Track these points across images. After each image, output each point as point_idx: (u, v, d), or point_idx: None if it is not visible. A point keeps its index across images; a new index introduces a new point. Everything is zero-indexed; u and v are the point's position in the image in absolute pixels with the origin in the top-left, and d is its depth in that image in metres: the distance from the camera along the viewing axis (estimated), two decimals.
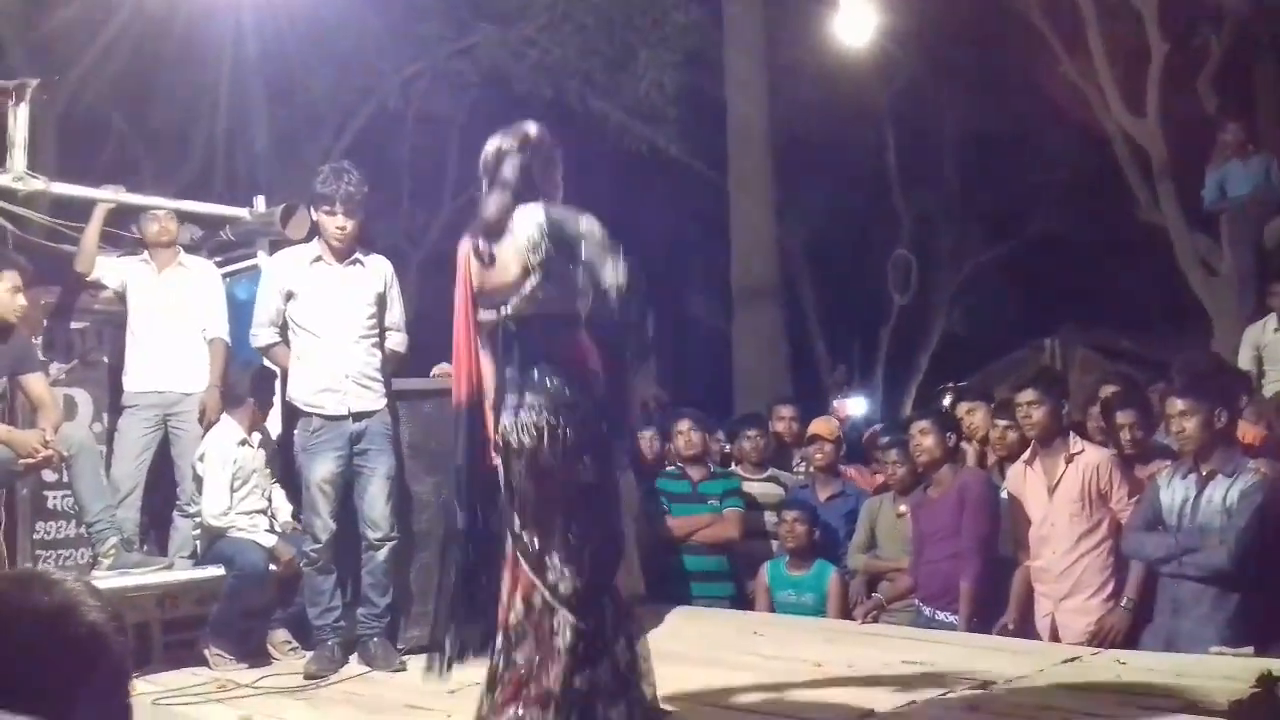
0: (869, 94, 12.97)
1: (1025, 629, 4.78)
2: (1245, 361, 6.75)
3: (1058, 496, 4.66)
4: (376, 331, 4.91)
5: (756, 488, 6.14)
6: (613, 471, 3.48)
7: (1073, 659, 4.15)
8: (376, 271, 4.93)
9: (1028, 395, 4.75)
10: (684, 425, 6.10)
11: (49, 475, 5.07)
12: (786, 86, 11.71)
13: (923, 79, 13.00)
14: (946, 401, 6.91)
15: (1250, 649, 4.05)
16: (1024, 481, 4.84)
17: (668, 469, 6.24)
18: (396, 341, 5.00)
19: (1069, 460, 4.67)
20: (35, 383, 4.72)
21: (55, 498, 5.32)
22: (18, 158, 5.08)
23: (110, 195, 5.40)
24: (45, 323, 5.40)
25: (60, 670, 1.17)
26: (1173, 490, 4.41)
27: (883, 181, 15.07)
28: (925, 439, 5.17)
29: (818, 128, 13.27)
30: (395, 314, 5.00)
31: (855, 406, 14.19)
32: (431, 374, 5.30)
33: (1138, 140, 9.34)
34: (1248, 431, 4.98)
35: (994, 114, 12.76)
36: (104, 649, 1.20)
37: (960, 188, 14.61)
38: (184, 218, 5.70)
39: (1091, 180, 11.99)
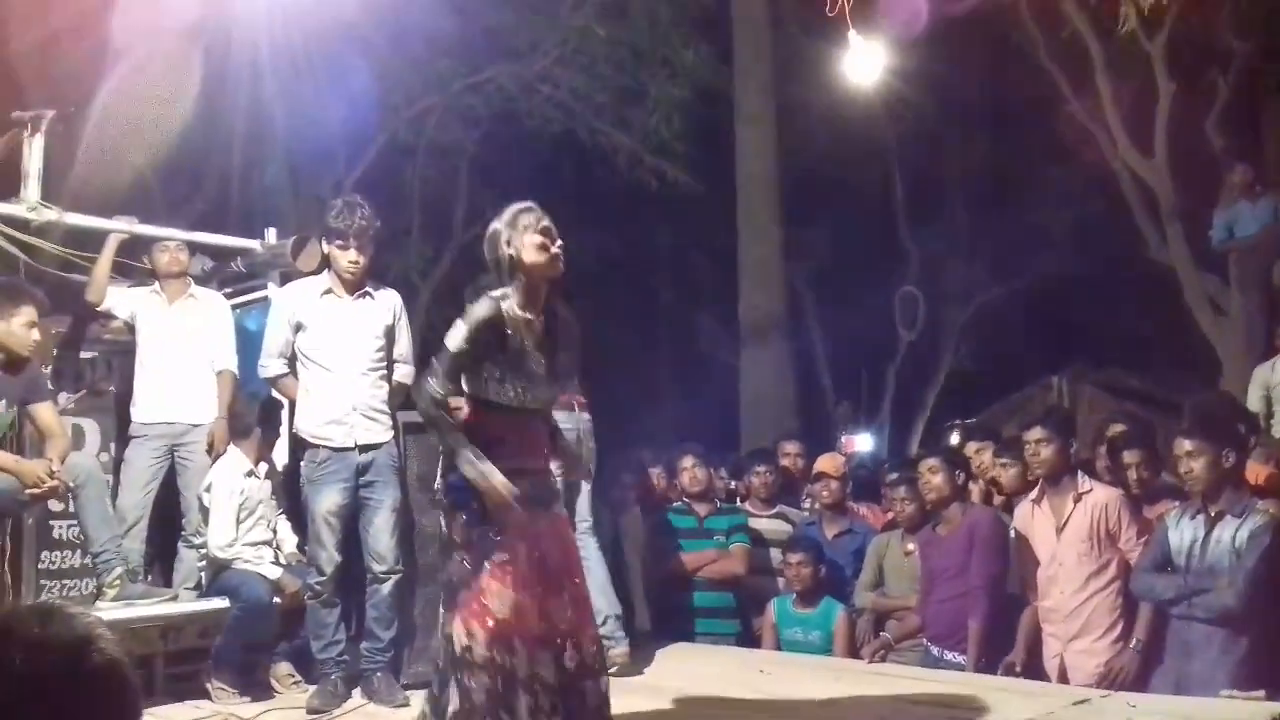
0: (877, 131, 13.05)
1: (1033, 669, 4.74)
2: (1254, 402, 6.73)
3: (1066, 536, 4.64)
4: (384, 364, 4.92)
5: (764, 524, 6.12)
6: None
7: (1082, 701, 4.11)
8: (386, 304, 4.95)
9: (1036, 434, 4.74)
10: (688, 462, 6.09)
11: (55, 505, 5.07)
12: (795, 123, 11.78)
13: (931, 118, 13.07)
14: (954, 439, 6.89)
15: (1262, 692, 4.01)
16: (1032, 520, 4.81)
17: (674, 504, 6.22)
18: (403, 374, 5.00)
19: (1077, 499, 4.65)
20: (44, 412, 4.72)
21: (61, 527, 5.31)
22: (32, 188, 5.12)
23: (123, 226, 5.43)
24: (55, 352, 5.41)
25: (79, 703, 1.17)
26: (1181, 531, 4.38)
27: (890, 218, 15.13)
28: (934, 477, 5.15)
29: (826, 164, 13.35)
30: (403, 346, 5.01)
31: (863, 443, 14.16)
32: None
33: (1145, 180, 9.37)
34: (1257, 472, 4.95)
35: (1002, 153, 12.84)
36: (122, 683, 1.21)
37: (968, 225, 14.66)
38: (195, 249, 5.73)
39: (1099, 219, 12.02)
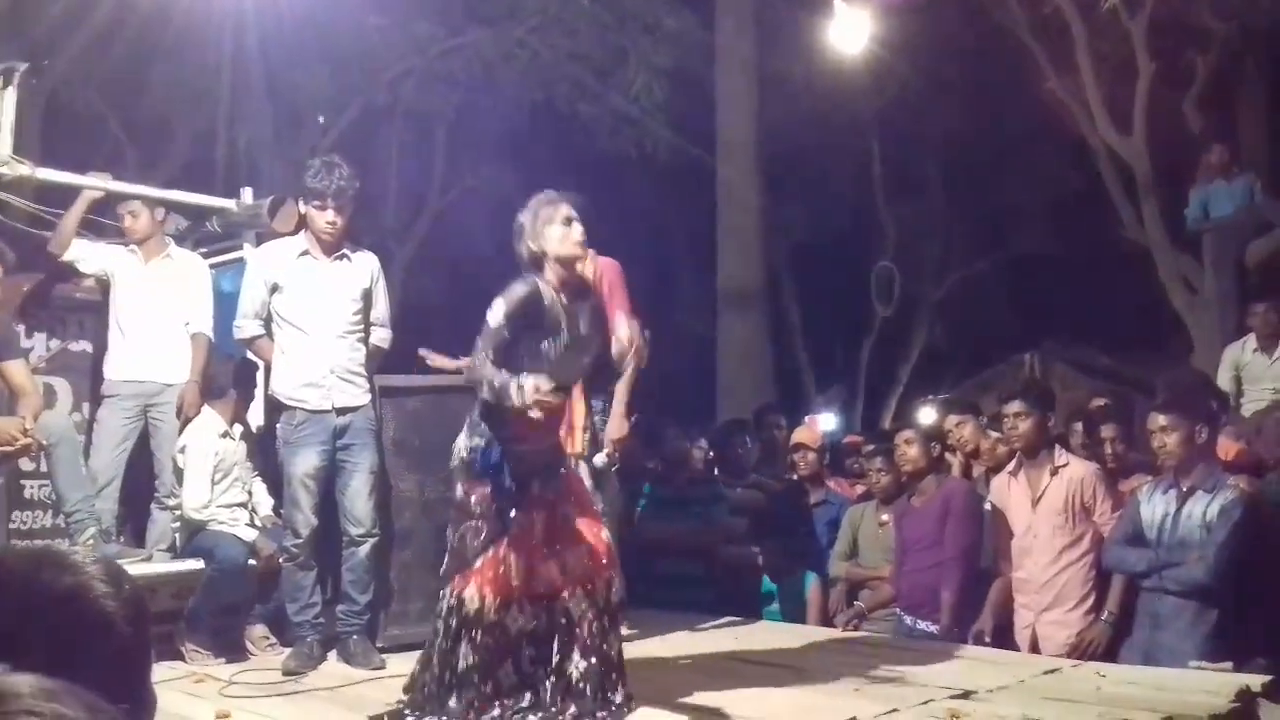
0: (857, 105, 13.03)
1: (1005, 640, 4.79)
2: (1225, 381, 6.80)
3: (1041, 508, 4.69)
4: (362, 327, 4.88)
5: (740, 494, 6.14)
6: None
7: (1053, 670, 4.16)
8: (363, 267, 4.90)
9: (1014, 407, 4.78)
10: (669, 433, 6.11)
11: (26, 464, 5.02)
12: (776, 94, 11.75)
13: (911, 92, 13.07)
14: (926, 414, 6.93)
15: (1229, 664, 4.08)
16: (1008, 492, 4.86)
17: (654, 475, 6.23)
18: (380, 337, 4.97)
19: (1053, 473, 4.70)
20: (16, 370, 4.66)
21: (32, 487, 5.26)
22: (4, 142, 5.03)
23: (96, 183, 5.34)
24: (25, 309, 5.33)
25: (67, 654, 1.16)
26: (1153, 505, 4.44)
27: (868, 192, 15.14)
28: (910, 448, 5.19)
29: (806, 136, 13.32)
30: (380, 309, 4.97)
31: (826, 422, 14.24)
32: (425, 359, 5.31)
33: (1123, 157, 9.42)
34: (1228, 448, 5.02)
35: (981, 128, 12.85)
36: (113, 635, 1.19)
37: (945, 201, 14.70)
38: (170, 208, 5.65)
39: (1076, 197, 12.09)
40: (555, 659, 3.55)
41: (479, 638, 3.51)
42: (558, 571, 3.56)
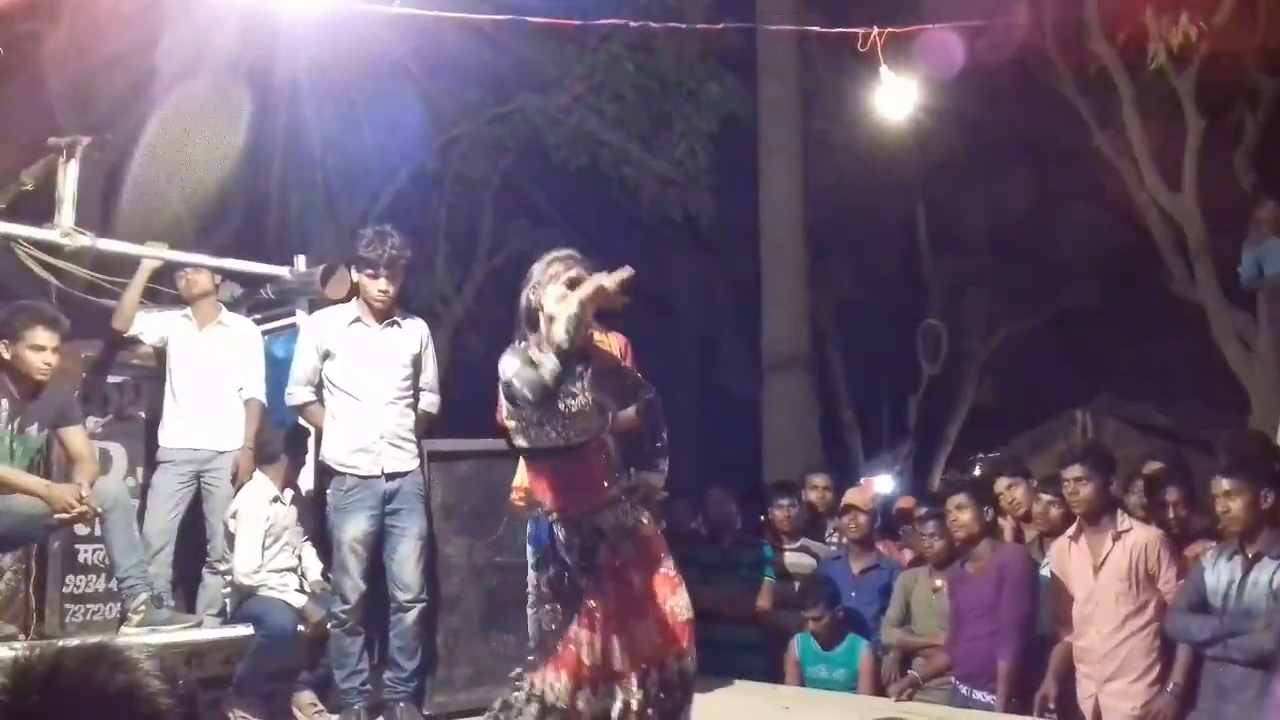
0: (901, 163, 13.04)
1: (1067, 709, 4.66)
2: None
3: (1104, 575, 4.58)
4: (411, 392, 4.93)
5: (788, 558, 6.06)
6: None
7: None
8: (413, 333, 4.96)
9: (1075, 471, 4.67)
10: (715, 495, 6.06)
11: (81, 529, 5.07)
12: (820, 156, 11.79)
13: (956, 150, 13.06)
14: (977, 472, 6.84)
15: None
16: (1068, 558, 4.75)
17: (699, 538, 6.18)
18: (429, 402, 5.01)
19: (1116, 538, 4.59)
20: (74, 436, 4.73)
21: (86, 551, 5.32)
22: (66, 213, 5.15)
23: (154, 252, 5.46)
24: (83, 376, 5.43)
25: None
26: (1218, 572, 4.32)
27: (914, 250, 15.09)
28: (962, 514, 5.10)
29: (850, 196, 13.33)
30: (429, 375, 5.01)
31: (882, 484, 14.04)
32: None
33: (1173, 215, 9.32)
34: None
35: (1028, 186, 12.80)
36: None
37: (992, 258, 14.61)
38: (225, 275, 5.75)
39: (1126, 253, 11.96)
40: None
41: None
42: (629, 648, 3.43)
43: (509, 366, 3.36)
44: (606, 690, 3.43)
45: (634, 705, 3.43)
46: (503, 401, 3.47)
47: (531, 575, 3.60)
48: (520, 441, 3.48)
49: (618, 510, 3.51)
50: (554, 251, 3.60)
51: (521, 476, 4.54)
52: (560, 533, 3.48)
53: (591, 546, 3.45)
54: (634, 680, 3.43)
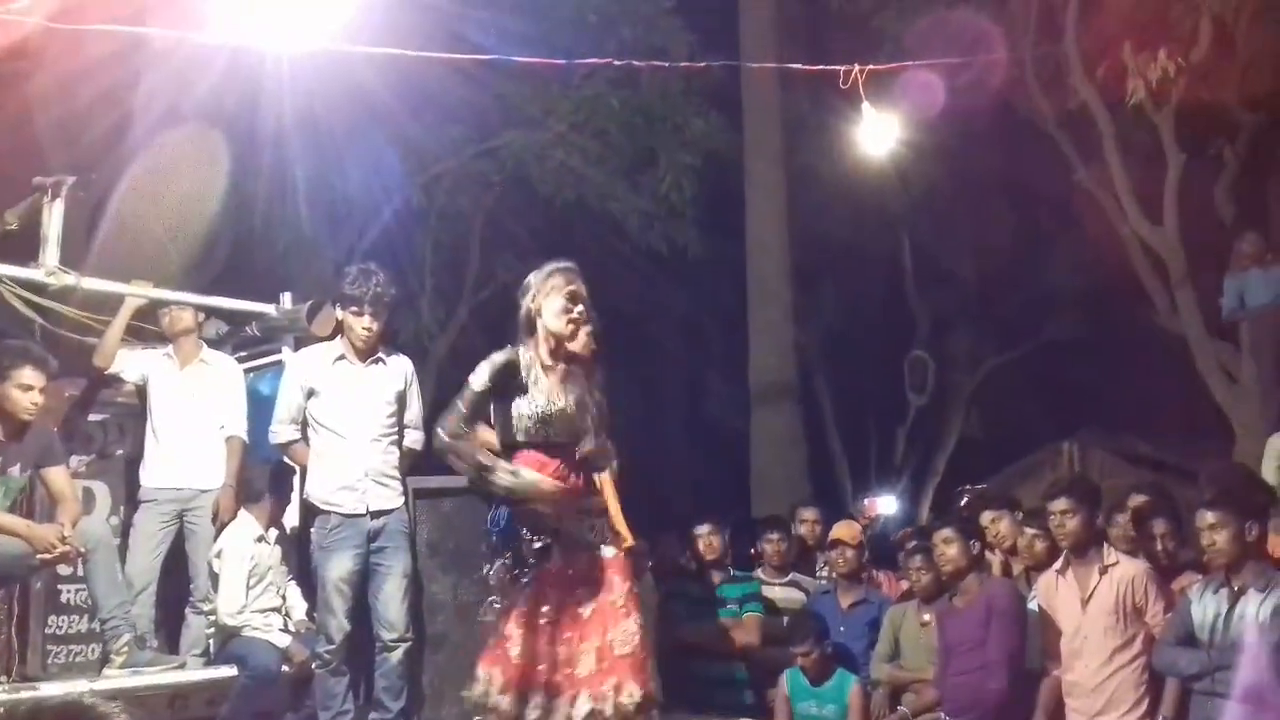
0: (886, 197, 13.14)
1: None
2: (1269, 473, 6.65)
3: (1091, 609, 4.57)
4: (396, 430, 4.92)
5: (777, 592, 6.05)
6: None
7: None
8: (397, 370, 4.95)
9: (1061, 504, 4.68)
10: (703, 529, 6.03)
11: (64, 569, 5.02)
12: (805, 189, 11.87)
13: (940, 184, 13.17)
14: (964, 503, 6.84)
15: None
16: (1055, 592, 4.75)
17: (687, 572, 6.15)
18: (414, 439, 5.00)
19: (1103, 572, 4.59)
20: (57, 476, 4.70)
21: (69, 591, 5.27)
22: (50, 253, 5.14)
23: (139, 290, 5.44)
24: (66, 414, 5.40)
25: None
26: (1204, 605, 4.32)
27: (900, 283, 15.18)
28: (949, 548, 5.09)
29: (835, 229, 13.42)
30: (414, 412, 5.01)
31: (885, 505, 13.92)
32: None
33: (1155, 249, 9.39)
34: (1278, 545, 4.89)
35: (1011, 218, 12.91)
36: None
37: (978, 290, 14.70)
38: (211, 312, 5.74)
39: (1109, 285, 12.03)
40: None
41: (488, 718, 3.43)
42: (563, 665, 3.43)
43: (491, 358, 3.62)
44: (539, 702, 3.40)
45: (606, 711, 3.39)
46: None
47: (485, 565, 3.63)
48: (503, 438, 3.60)
49: (582, 525, 3.57)
50: (552, 263, 3.67)
51: None
52: (519, 520, 3.52)
53: (545, 546, 3.48)
54: (566, 700, 3.40)
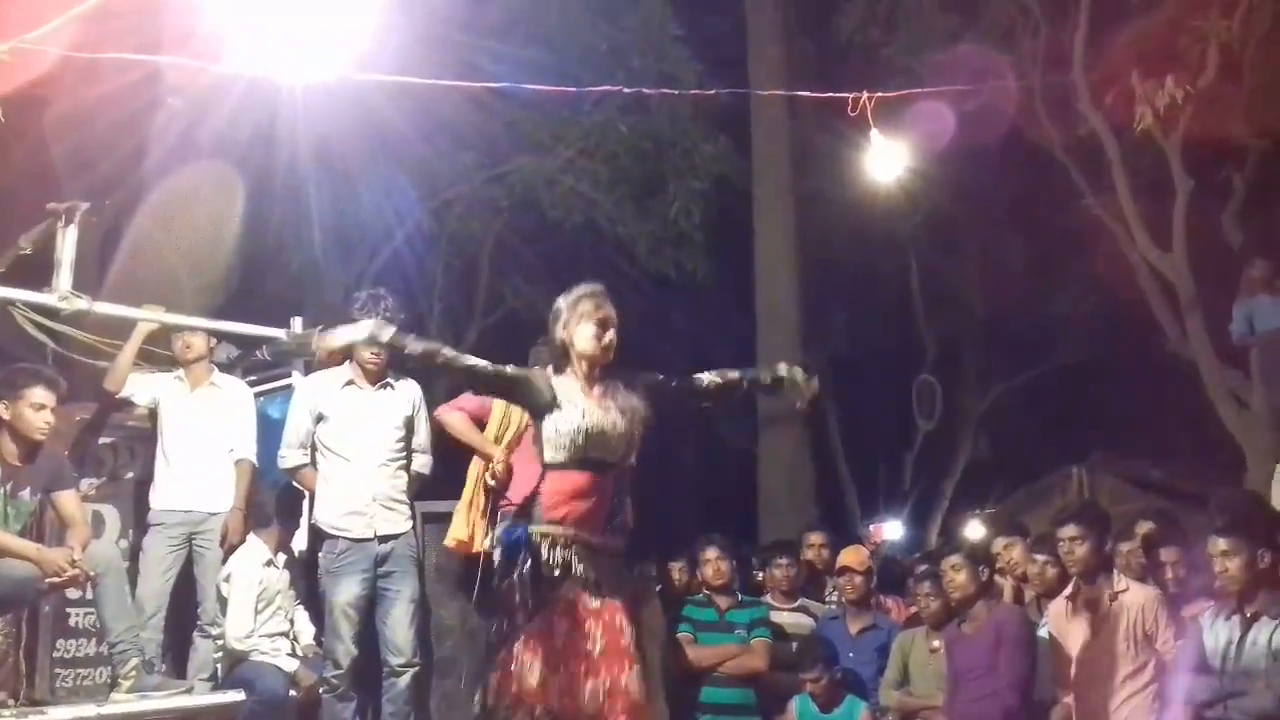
0: (895, 221, 13.17)
1: None
2: (1279, 499, 6.63)
3: (1102, 635, 4.54)
4: (404, 454, 4.94)
5: (786, 618, 6.02)
6: None
7: None
8: (406, 395, 4.98)
9: (1070, 531, 4.65)
10: (711, 553, 6.01)
11: (73, 592, 5.03)
12: (813, 213, 11.91)
13: (949, 211, 13.20)
14: (972, 529, 6.82)
15: None
16: (1066, 619, 4.72)
17: (694, 597, 6.14)
18: (421, 464, 5.03)
19: (1113, 598, 4.56)
20: (67, 500, 4.72)
21: (78, 615, 5.27)
22: (63, 278, 5.18)
23: (150, 315, 5.47)
24: (76, 438, 5.43)
25: None
26: (1216, 632, 4.30)
27: (908, 307, 15.19)
28: (957, 575, 5.08)
29: (844, 253, 13.45)
30: (421, 437, 5.03)
31: (891, 530, 13.89)
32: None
33: (1164, 274, 9.39)
34: None
35: (1020, 243, 12.92)
36: None
37: (986, 314, 14.70)
38: (222, 337, 5.77)
39: (1118, 310, 12.02)
40: None
41: None
42: (571, 695, 3.40)
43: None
44: None
45: None
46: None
47: (494, 580, 3.60)
48: (546, 456, 3.56)
49: (602, 561, 3.54)
50: (580, 288, 3.66)
51: (458, 529, 4.87)
52: (537, 545, 3.48)
53: (558, 576, 3.46)
54: None
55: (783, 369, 3.92)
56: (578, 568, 3.50)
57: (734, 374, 3.84)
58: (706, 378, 3.80)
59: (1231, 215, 9.71)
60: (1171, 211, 9.14)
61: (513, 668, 3.41)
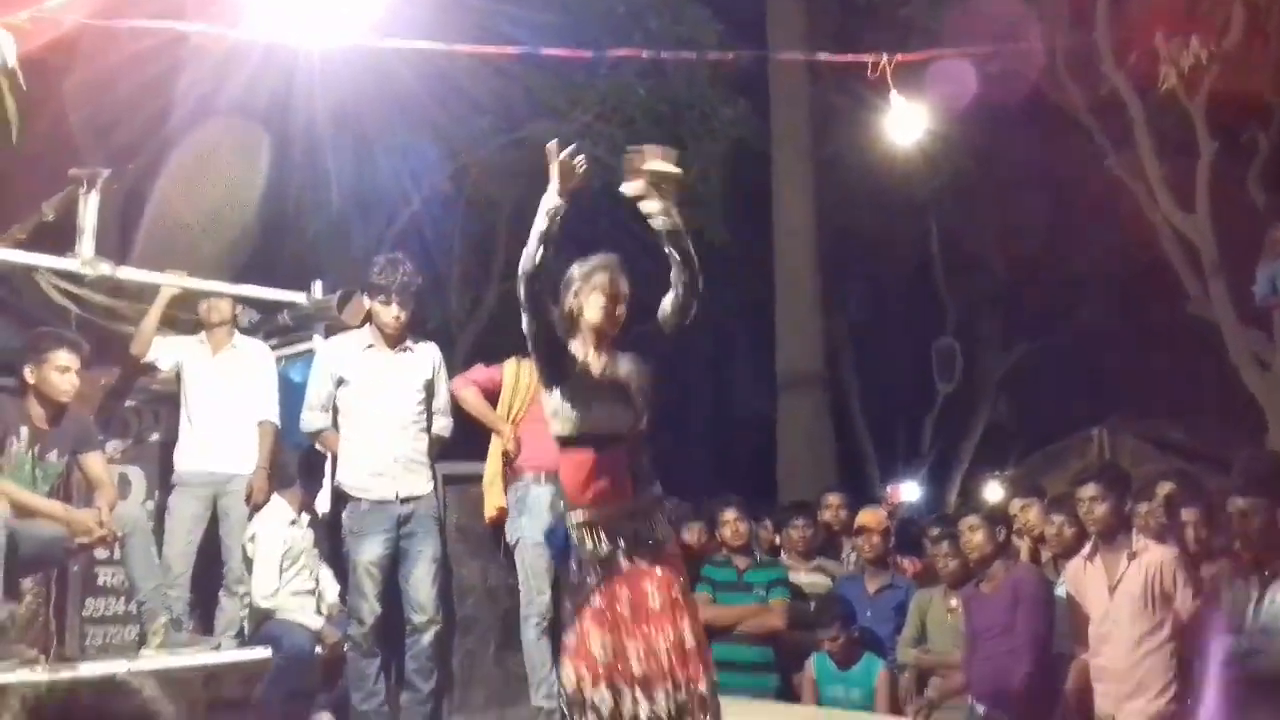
0: (915, 184, 13.07)
1: None
2: None
3: (1119, 594, 4.56)
4: (424, 416, 4.98)
5: (804, 578, 6.07)
6: None
7: None
8: (426, 358, 5.02)
9: (1090, 490, 4.66)
10: (730, 514, 6.05)
11: (101, 552, 5.12)
12: (833, 177, 11.85)
13: (970, 171, 13.10)
14: (991, 491, 6.83)
15: None
16: (1084, 577, 4.74)
17: (713, 557, 6.18)
18: (442, 426, 5.06)
19: (1131, 558, 4.57)
20: (94, 462, 4.79)
21: (106, 574, 5.37)
22: (86, 243, 5.23)
23: (173, 280, 5.53)
24: (102, 401, 5.50)
25: None
26: (1234, 591, 4.31)
27: (928, 270, 15.12)
28: (975, 535, 5.10)
29: (863, 216, 13.38)
30: (442, 399, 5.07)
31: (908, 491, 13.90)
32: None
33: (1187, 236, 9.31)
34: None
35: (1042, 204, 12.81)
36: None
37: (1007, 277, 14.61)
38: (242, 301, 5.83)
39: (1141, 272, 11.93)
40: None
41: (586, 715, 3.44)
42: (646, 657, 3.45)
43: None
44: (636, 694, 3.42)
45: (687, 702, 3.43)
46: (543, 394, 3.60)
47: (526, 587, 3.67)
48: (555, 429, 3.56)
49: (639, 521, 3.56)
50: (595, 258, 3.67)
51: (496, 498, 4.91)
52: (575, 535, 3.52)
53: (609, 553, 3.50)
54: (657, 691, 3.43)
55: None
56: (620, 541, 3.52)
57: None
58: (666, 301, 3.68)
59: (1256, 176, 9.59)
60: (1195, 173, 9.04)
61: (584, 645, 3.46)
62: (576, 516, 3.54)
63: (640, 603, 3.49)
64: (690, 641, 3.52)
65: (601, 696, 3.42)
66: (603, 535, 3.51)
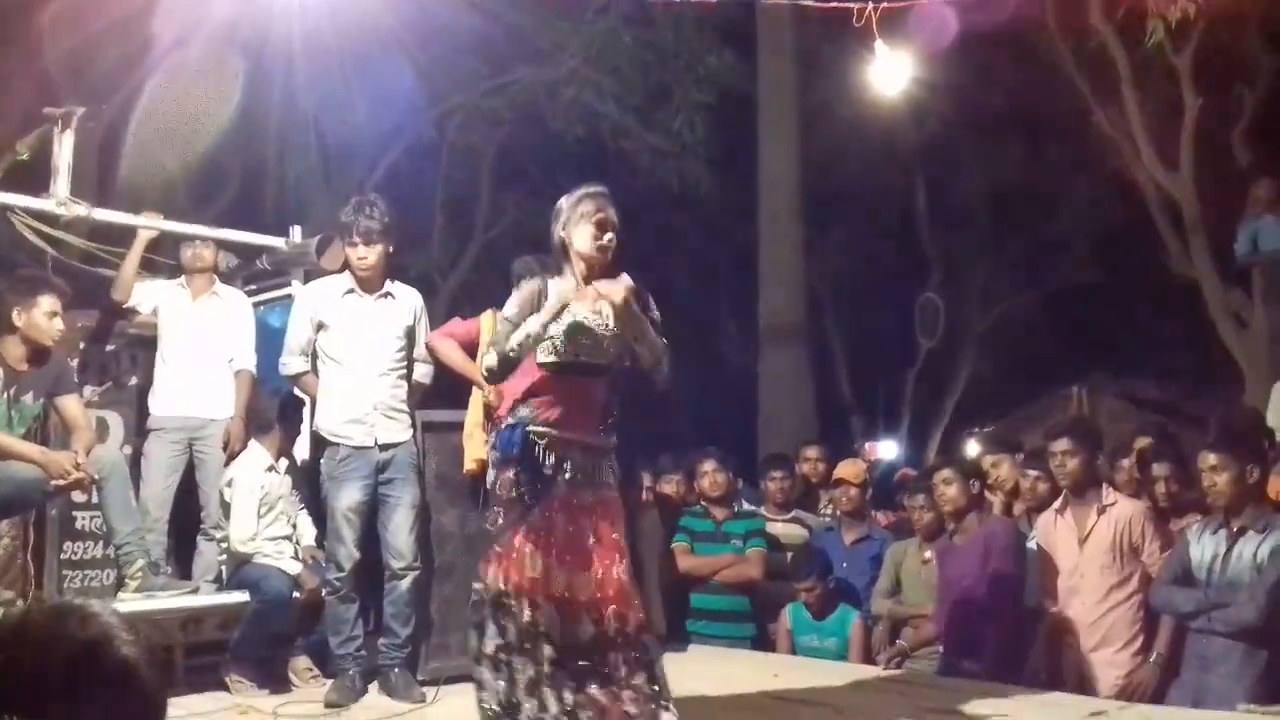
0: (900, 137, 13.02)
1: (1052, 679, 4.73)
2: (1274, 419, 6.67)
3: (1088, 547, 4.63)
4: (404, 363, 4.95)
5: (780, 528, 6.12)
6: None
7: (1099, 713, 4.10)
8: (406, 304, 4.98)
9: (1062, 445, 4.72)
10: (709, 465, 6.10)
11: (78, 496, 5.11)
12: (818, 128, 11.78)
13: (955, 125, 13.04)
14: (971, 447, 6.88)
15: (1279, 707, 3.99)
16: (1054, 531, 4.80)
17: (692, 508, 6.23)
18: (422, 373, 5.04)
19: (1101, 511, 4.64)
20: (70, 404, 4.76)
21: (84, 518, 5.36)
22: (61, 184, 5.16)
23: (150, 223, 5.47)
24: (80, 345, 5.46)
25: (91, 703, 1.19)
26: (1203, 545, 4.37)
27: (912, 225, 15.10)
28: (948, 488, 5.15)
29: (848, 169, 13.33)
30: (423, 346, 5.04)
31: (886, 449, 14.04)
32: None
33: (1170, 193, 9.32)
34: (1279, 488, 4.93)
35: (1026, 160, 12.78)
36: (135, 683, 1.22)
37: (990, 233, 14.61)
38: (221, 246, 5.77)
39: (1123, 229, 11.96)
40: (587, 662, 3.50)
41: (502, 620, 3.50)
42: (570, 586, 3.52)
43: (512, 302, 3.61)
44: (554, 614, 3.48)
45: (609, 633, 3.50)
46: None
47: (490, 474, 3.67)
48: (540, 357, 3.58)
49: (594, 459, 3.62)
50: (583, 188, 3.65)
51: (475, 450, 4.80)
52: (533, 444, 3.55)
53: (552, 475, 3.54)
54: (584, 623, 3.50)
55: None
56: (571, 467, 3.57)
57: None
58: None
59: (1240, 134, 9.60)
60: (1180, 130, 9.04)
61: (513, 556, 3.49)
62: (536, 429, 3.57)
63: (576, 537, 3.55)
64: (624, 582, 3.58)
65: (521, 606, 3.48)
66: (552, 455, 3.56)
